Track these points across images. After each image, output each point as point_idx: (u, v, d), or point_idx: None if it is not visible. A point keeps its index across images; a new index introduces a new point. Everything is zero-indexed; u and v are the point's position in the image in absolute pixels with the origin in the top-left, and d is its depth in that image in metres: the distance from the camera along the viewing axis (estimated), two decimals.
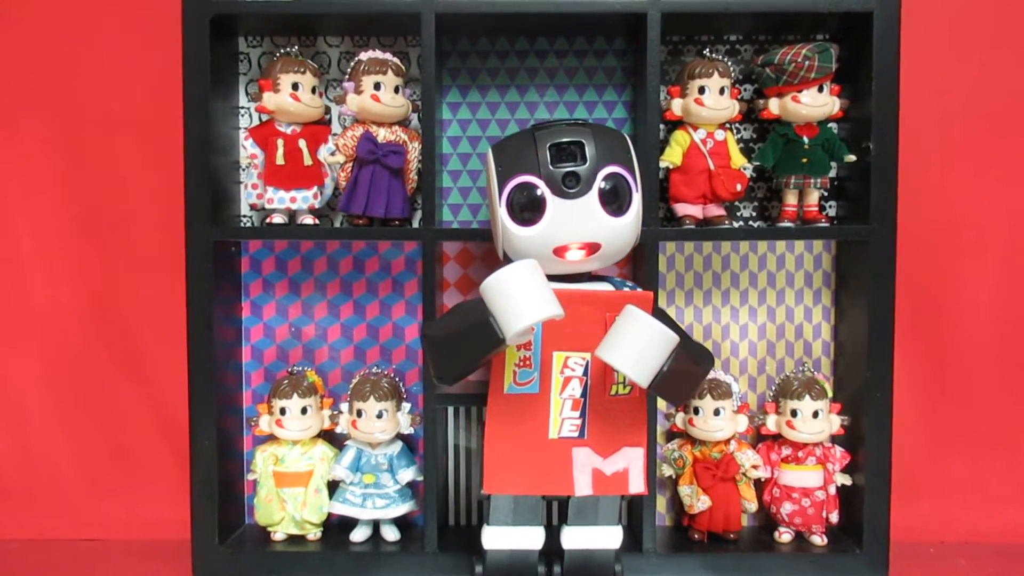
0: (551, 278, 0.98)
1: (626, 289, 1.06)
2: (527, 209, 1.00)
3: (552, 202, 0.99)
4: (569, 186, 0.99)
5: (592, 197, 0.99)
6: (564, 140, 1.00)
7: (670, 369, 0.95)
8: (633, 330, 0.95)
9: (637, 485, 1.04)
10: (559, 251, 1.01)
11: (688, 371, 0.98)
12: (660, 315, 1.00)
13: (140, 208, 1.34)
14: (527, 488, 1.04)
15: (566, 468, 1.03)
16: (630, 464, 1.04)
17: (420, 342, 1.01)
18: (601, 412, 1.04)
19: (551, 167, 0.99)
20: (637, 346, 0.94)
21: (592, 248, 1.01)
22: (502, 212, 1.02)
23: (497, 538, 1.07)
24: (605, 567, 1.10)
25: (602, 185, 1.00)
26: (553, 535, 1.10)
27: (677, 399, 1.03)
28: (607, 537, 1.08)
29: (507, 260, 1.04)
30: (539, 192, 0.99)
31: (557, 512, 1.25)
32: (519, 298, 0.92)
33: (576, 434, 1.04)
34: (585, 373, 1.03)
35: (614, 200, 1.00)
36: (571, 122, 1.04)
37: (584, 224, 1.00)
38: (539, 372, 1.03)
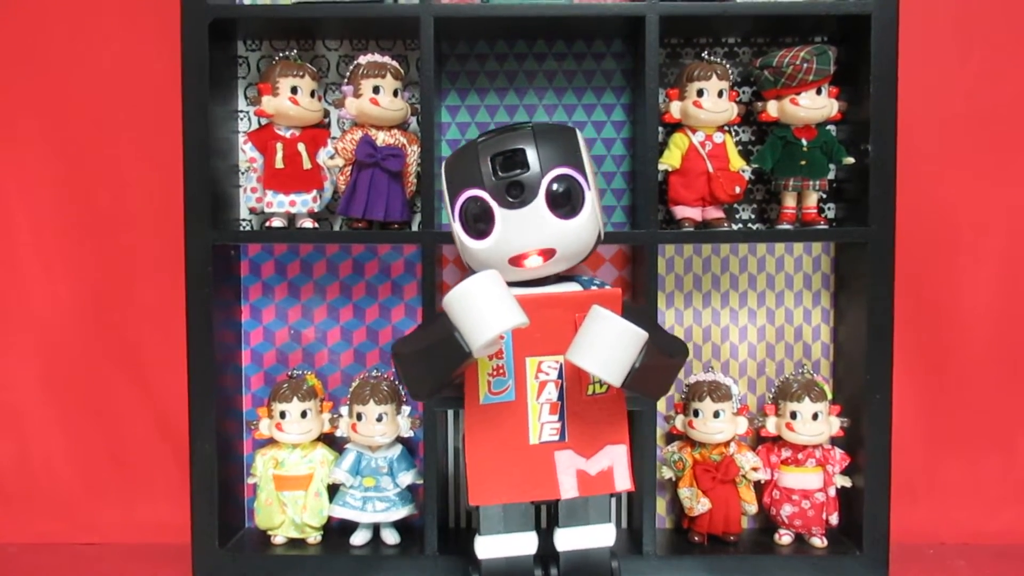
0: (516, 283, 0.97)
1: (594, 288, 1.05)
2: (479, 221, 0.99)
3: (500, 214, 0.98)
4: (514, 196, 0.98)
5: (539, 204, 0.98)
6: (505, 149, 0.99)
7: (642, 365, 0.94)
8: (600, 331, 0.94)
9: (623, 482, 1.04)
10: (515, 260, 1.00)
11: (661, 365, 0.98)
12: (631, 311, 0.99)
13: (139, 212, 1.34)
14: (513, 496, 1.03)
15: (550, 472, 1.03)
16: (614, 462, 1.04)
17: (391, 360, 1.01)
18: (580, 413, 1.04)
19: (494, 178, 0.98)
20: (605, 347, 0.93)
21: (548, 254, 1.00)
22: (456, 227, 1.02)
23: (490, 547, 1.07)
24: (601, 565, 1.09)
25: (552, 188, 0.98)
26: (547, 538, 1.10)
27: (654, 394, 1.02)
28: (600, 536, 1.08)
29: (471, 270, 1.04)
30: (486, 205, 0.99)
31: (553, 513, 1.25)
32: (482, 310, 0.91)
33: (557, 437, 1.03)
34: (560, 376, 1.03)
35: (566, 203, 0.99)
36: (514, 127, 1.02)
37: (536, 232, 0.99)
38: (514, 379, 1.02)
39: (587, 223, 1.01)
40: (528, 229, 0.99)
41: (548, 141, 1.00)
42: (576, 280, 1.06)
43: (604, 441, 1.04)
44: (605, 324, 0.94)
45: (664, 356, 0.98)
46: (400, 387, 1.22)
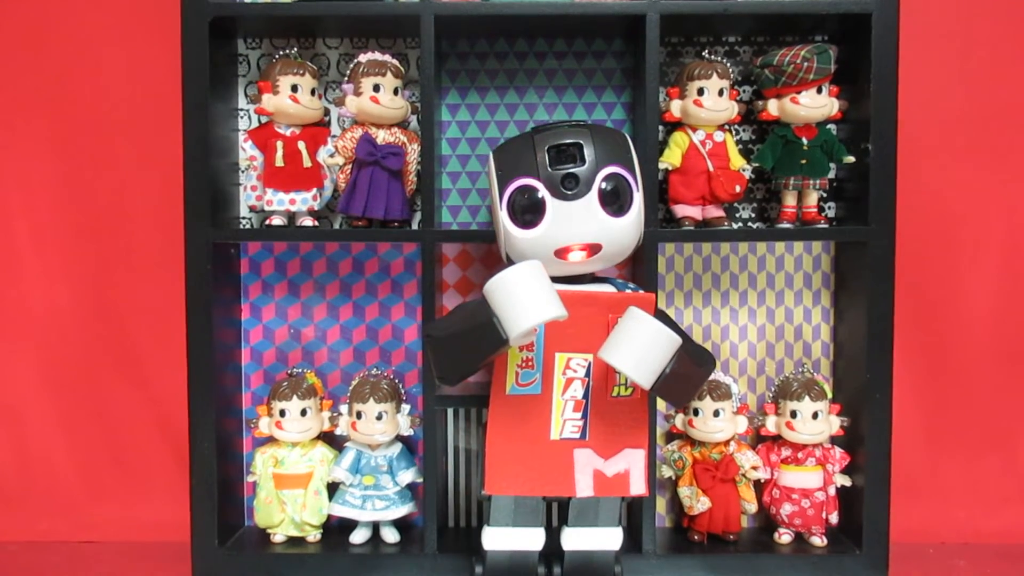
0: (553, 279, 0.98)
1: (628, 291, 1.06)
2: (528, 212, 1.00)
3: (552, 204, 1.00)
4: (568, 188, 0.99)
5: (592, 198, 1.00)
6: (563, 142, 1.01)
7: (672, 371, 0.95)
8: (636, 331, 0.95)
9: (638, 487, 1.05)
10: (560, 253, 1.01)
11: (690, 373, 0.98)
12: (662, 317, 1.00)
13: (139, 210, 1.34)
14: (528, 489, 1.04)
15: (567, 469, 1.03)
16: (631, 466, 1.05)
17: (423, 342, 1.01)
18: (602, 413, 1.04)
19: (550, 169, 1.00)
20: (640, 348, 0.94)
21: (593, 249, 1.01)
22: (503, 215, 1.02)
23: (497, 539, 1.07)
24: (605, 568, 1.10)
25: (602, 186, 1.00)
26: (553, 536, 1.10)
27: (679, 400, 1.03)
28: (607, 538, 1.08)
29: (509, 262, 1.04)
30: (539, 195, 1.00)
31: (557, 513, 1.25)
32: (523, 299, 0.92)
33: (578, 435, 1.04)
34: (587, 374, 1.03)
35: (615, 201, 1.00)
36: (571, 124, 1.04)
37: (584, 225, 1.00)
38: (541, 373, 1.03)
39: (633, 223, 1.02)
40: (578, 222, 1.00)
41: (604, 140, 1.02)
42: (610, 282, 1.07)
43: (624, 444, 1.05)
44: (641, 325, 0.95)
45: (693, 365, 0.99)
46: (399, 385, 1.22)
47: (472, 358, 0.96)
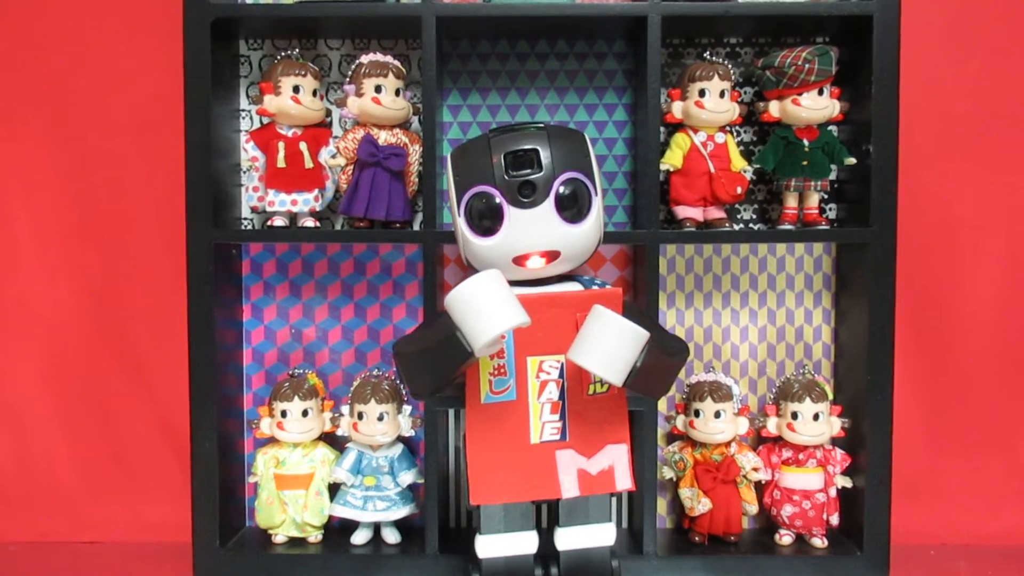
0: (516, 282, 0.97)
1: (595, 287, 1.05)
2: (485, 220, 0.99)
3: (509, 212, 0.99)
4: (525, 196, 0.98)
5: (549, 205, 0.98)
6: (519, 149, 0.99)
7: (643, 365, 0.94)
8: (602, 330, 0.94)
9: (624, 482, 1.04)
10: (519, 260, 1.00)
11: (662, 365, 0.98)
12: (632, 310, 0.99)
13: (141, 211, 1.34)
14: (514, 496, 1.03)
15: (551, 472, 1.03)
16: (614, 461, 1.04)
17: (393, 359, 1.01)
18: (581, 412, 1.04)
19: (507, 176, 0.98)
20: (607, 346, 0.94)
21: (552, 256, 1.00)
22: (461, 222, 1.01)
23: (491, 546, 1.06)
24: (602, 565, 1.09)
25: (560, 191, 0.98)
26: (548, 537, 1.10)
27: (655, 393, 1.02)
28: (600, 535, 1.08)
29: (470, 266, 1.04)
30: (496, 202, 0.99)
31: (553, 513, 1.25)
32: (483, 310, 0.91)
33: (558, 437, 1.04)
34: (561, 375, 1.03)
35: (573, 205, 0.99)
36: (528, 126, 1.03)
37: (542, 233, 0.99)
38: (515, 379, 1.02)
39: (592, 228, 1.01)
40: (535, 230, 0.99)
41: (561, 143, 1.00)
42: (577, 280, 1.06)
43: (605, 440, 1.04)
44: (606, 323, 0.94)
45: (665, 355, 0.98)
46: (401, 386, 1.22)
47: (441, 372, 0.95)
